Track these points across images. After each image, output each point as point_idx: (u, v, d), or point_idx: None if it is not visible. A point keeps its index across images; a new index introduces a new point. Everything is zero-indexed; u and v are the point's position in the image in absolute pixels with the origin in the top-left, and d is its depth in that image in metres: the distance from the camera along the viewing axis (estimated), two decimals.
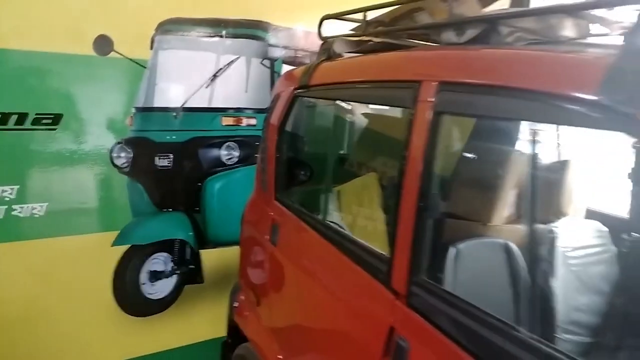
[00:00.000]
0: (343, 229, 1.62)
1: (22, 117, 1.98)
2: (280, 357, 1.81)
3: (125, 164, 2.27)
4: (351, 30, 1.76)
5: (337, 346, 1.46)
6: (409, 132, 1.20)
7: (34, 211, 2.08)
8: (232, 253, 2.38)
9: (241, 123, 2.52)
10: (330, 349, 1.51)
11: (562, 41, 1.19)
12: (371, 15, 1.61)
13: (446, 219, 1.30)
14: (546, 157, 1.57)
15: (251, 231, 2.12)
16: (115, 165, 2.25)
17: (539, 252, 1.45)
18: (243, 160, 2.53)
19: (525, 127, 1.47)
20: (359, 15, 1.65)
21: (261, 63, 2.53)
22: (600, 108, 0.81)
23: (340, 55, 1.77)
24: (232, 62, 2.44)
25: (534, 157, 1.45)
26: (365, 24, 1.63)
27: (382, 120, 1.76)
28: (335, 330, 1.51)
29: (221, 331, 2.29)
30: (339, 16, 1.82)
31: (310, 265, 1.67)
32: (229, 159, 2.53)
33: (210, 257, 2.62)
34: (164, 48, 2.28)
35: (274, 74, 2.56)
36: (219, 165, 2.52)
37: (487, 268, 1.30)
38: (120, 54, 2.14)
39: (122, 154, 2.25)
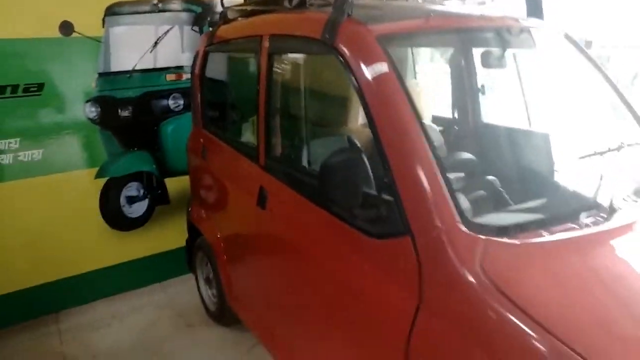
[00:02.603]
0: (240, 140, 2.44)
1: (15, 88, 2.73)
2: (219, 234, 2.67)
3: (96, 117, 3.03)
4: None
5: (235, 203, 2.32)
6: (258, 66, 2.00)
7: (33, 156, 2.87)
8: (187, 179, 3.19)
9: (181, 78, 3.26)
10: (230, 205, 2.37)
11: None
12: None
13: (285, 126, 2.09)
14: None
15: (191, 154, 2.94)
16: (88, 118, 3.02)
17: None
18: (187, 107, 3.29)
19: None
20: None
21: (192, 29, 3.26)
22: (320, 41, 1.60)
23: (233, 20, 2.53)
24: (168, 31, 3.16)
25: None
26: None
27: (250, 61, 2.51)
28: (233, 196, 2.37)
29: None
30: None
31: (223, 164, 2.51)
32: (176, 106, 3.30)
33: (172, 184, 3.43)
34: (113, 25, 2.99)
35: None
36: (168, 112, 3.29)
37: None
38: (80, 34, 2.86)
39: (92, 109, 3.00)
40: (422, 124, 1.36)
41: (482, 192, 1.57)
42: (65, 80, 2.90)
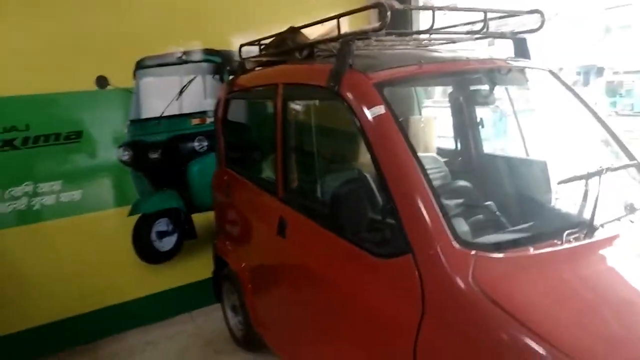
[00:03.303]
0: (260, 176, 2.68)
1: (57, 136, 3.04)
2: (243, 264, 2.88)
3: (128, 159, 3.32)
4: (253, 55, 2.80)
5: (257, 233, 2.54)
6: (275, 110, 2.26)
7: (73, 196, 3.16)
8: (212, 214, 3.44)
9: (205, 122, 3.56)
10: (253, 236, 2.59)
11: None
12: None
13: (300, 161, 2.32)
14: None
15: (216, 191, 3.19)
16: (121, 161, 3.31)
17: None
18: (210, 148, 3.57)
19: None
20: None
21: (213, 78, 3.57)
22: (327, 89, 1.85)
23: (251, 70, 2.82)
24: (192, 80, 3.49)
25: None
26: (259, 49, 2.68)
27: (267, 106, 2.77)
28: (256, 227, 2.59)
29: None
30: (250, 44, 2.87)
31: (245, 199, 2.74)
32: (201, 148, 3.58)
33: (199, 219, 3.68)
34: (142, 77, 3.32)
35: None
36: (194, 153, 3.58)
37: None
38: (114, 86, 3.19)
39: (125, 153, 3.30)
40: (416, 157, 1.57)
41: (474, 214, 1.76)
42: (100, 128, 3.22)
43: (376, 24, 1.78)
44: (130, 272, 3.46)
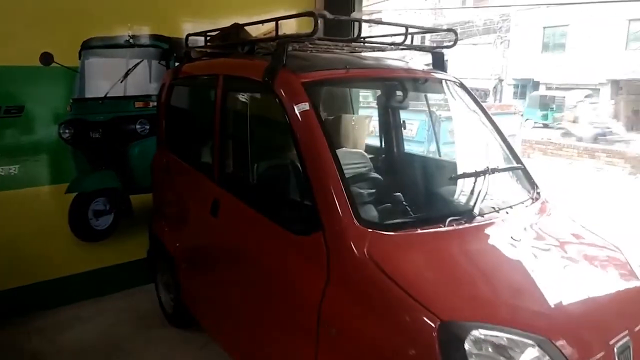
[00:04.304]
0: (198, 160, 2.85)
1: None
2: (178, 244, 3.04)
3: (69, 137, 3.38)
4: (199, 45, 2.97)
5: (192, 214, 2.72)
6: (215, 100, 2.44)
7: (10, 171, 3.18)
8: (150, 196, 3.55)
9: (149, 105, 3.66)
10: (188, 216, 2.76)
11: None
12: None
13: (234, 148, 2.53)
14: None
15: (155, 173, 3.32)
16: (62, 139, 3.36)
17: None
18: (152, 131, 3.68)
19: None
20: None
21: (159, 63, 3.68)
22: (262, 83, 2.06)
23: (196, 59, 2.98)
24: (137, 64, 3.58)
25: None
26: (205, 40, 2.85)
27: (209, 95, 2.95)
28: (191, 208, 2.77)
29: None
30: (197, 34, 3.02)
31: (183, 181, 2.91)
32: (142, 130, 3.68)
33: (137, 200, 3.78)
34: (88, 57, 3.38)
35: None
36: (136, 135, 3.67)
37: None
38: (59, 64, 3.24)
39: (66, 130, 3.36)
40: (332, 150, 1.83)
41: (383, 202, 2.04)
42: (43, 104, 3.26)
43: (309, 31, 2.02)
44: (66, 248, 3.52)
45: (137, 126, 3.68)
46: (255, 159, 2.18)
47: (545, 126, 20.75)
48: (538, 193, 2.28)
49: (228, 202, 2.35)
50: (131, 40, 3.55)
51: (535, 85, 23.83)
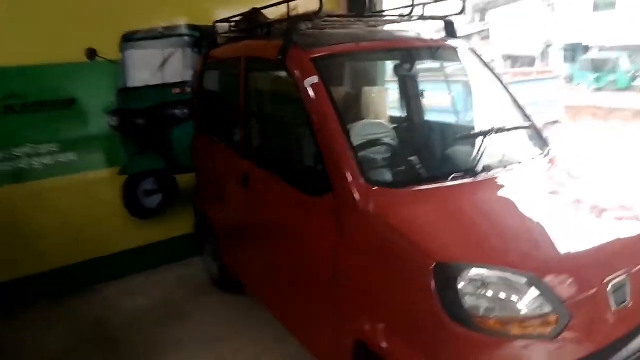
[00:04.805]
0: (228, 137, 3.10)
1: (53, 102, 3.43)
2: (218, 215, 3.32)
3: (116, 125, 3.72)
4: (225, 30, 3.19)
5: (227, 187, 2.97)
6: (238, 81, 2.66)
7: (69, 158, 3.56)
8: (193, 175, 3.86)
9: (185, 91, 3.95)
10: (224, 190, 3.02)
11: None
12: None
13: (257, 124, 2.74)
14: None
15: (194, 153, 3.61)
16: (110, 126, 3.71)
17: None
18: (190, 115, 3.97)
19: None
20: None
21: (193, 51, 3.95)
22: (277, 62, 2.25)
23: (222, 45, 3.20)
24: (173, 53, 3.86)
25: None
26: (229, 26, 3.06)
27: (234, 77, 3.16)
28: (226, 182, 3.02)
29: None
30: (222, 21, 3.24)
31: (217, 158, 3.17)
32: (182, 114, 3.98)
33: (182, 180, 4.11)
34: (128, 50, 3.68)
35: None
36: (176, 119, 3.97)
37: None
38: (103, 58, 3.56)
39: (114, 119, 3.70)
40: (340, 118, 2.00)
41: (388, 163, 2.20)
42: (91, 96, 3.59)
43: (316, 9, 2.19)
44: (121, 226, 3.89)
45: (177, 111, 3.97)
46: (274, 132, 2.39)
47: (599, 90, 19.76)
48: (548, 149, 2.36)
49: (255, 174, 2.58)
50: (166, 32, 3.82)
51: (586, 48, 22.60)
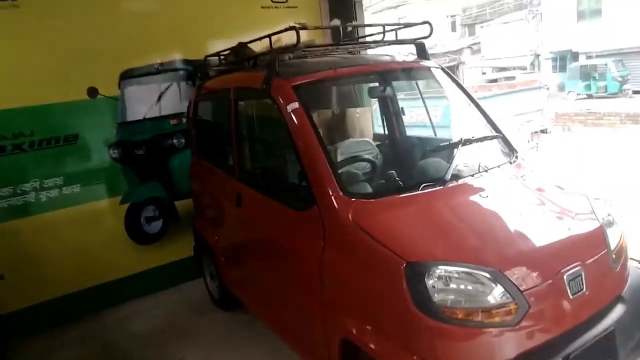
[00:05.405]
0: (222, 162, 3.31)
1: (58, 139, 3.66)
2: (216, 237, 3.51)
3: (117, 157, 3.95)
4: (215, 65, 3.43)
5: (222, 209, 3.17)
6: (229, 109, 2.89)
7: (73, 190, 3.78)
8: (192, 200, 4.06)
9: (182, 122, 4.18)
10: (220, 212, 3.22)
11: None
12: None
13: (248, 148, 2.96)
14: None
15: (192, 179, 3.82)
16: (112, 158, 3.94)
17: None
18: (187, 144, 4.19)
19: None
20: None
21: (187, 84, 4.20)
22: (262, 91, 2.48)
23: (213, 77, 3.44)
24: (168, 87, 4.11)
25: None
26: (219, 59, 3.31)
27: (224, 106, 3.39)
28: (222, 204, 3.22)
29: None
30: (212, 55, 3.49)
31: (213, 181, 3.38)
32: (179, 144, 4.21)
33: (181, 205, 4.31)
34: (126, 86, 3.93)
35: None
36: (174, 149, 4.20)
37: None
38: (103, 95, 3.81)
39: (115, 151, 3.93)
40: (320, 139, 2.21)
41: (359, 175, 2.41)
42: (93, 131, 3.83)
43: (294, 42, 2.42)
44: (125, 252, 4.09)
45: (174, 141, 4.21)
46: (263, 155, 2.60)
47: (590, 97, 20.08)
48: (516, 157, 2.56)
49: (247, 194, 2.78)
50: (161, 67, 4.08)
51: (575, 56, 23.01)
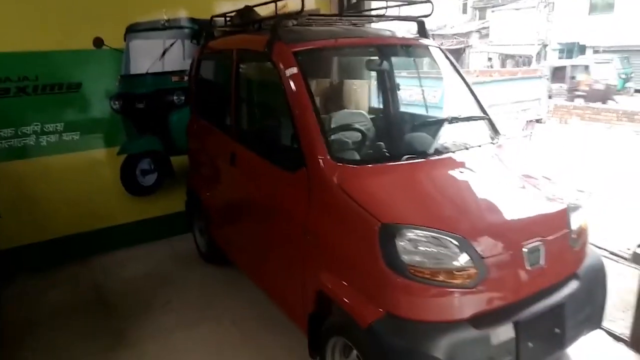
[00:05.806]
0: (220, 121, 3.42)
1: (61, 85, 3.75)
2: (208, 193, 3.66)
3: (118, 108, 4.05)
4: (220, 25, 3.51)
5: (217, 166, 3.30)
6: (230, 70, 2.99)
7: (73, 137, 3.89)
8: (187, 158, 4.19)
9: (184, 79, 4.27)
10: (214, 169, 3.35)
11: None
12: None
13: (246, 109, 3.08)
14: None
15: (189, 136, 3.94)
16: (113, 109, 4.04)
17: None
18: (187, 101, 4.29)
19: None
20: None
21: (192, 42, 4.26)
22: (263, 54, 2.58)
23: (218, 37, 3.52)
24: (173, 43, 4.18)
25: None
26: (224, 21, 3.38)
27: (227, 66, 3.48)
28: (216, 161, 3.35)
29: None
30: (219, 16, 3.57)
31: (210, 140, 3.50)
32: (179, 101, 4.30)
33: (177, 161, 4.44)
34: (131, 40, 4.00)
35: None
36: (173, 105, 4.30)
37: None
38: (108, 47, 3.88)
39: (116, 102, 4.02)
40: (314, 104, 2.33)
41: (349, 144, 2.54)
42: (96, 81, 3.92)
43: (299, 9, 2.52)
44: (119, 201, 4.23)
45: (175, 97, 4.30)
46: (260, 116, 2.72)
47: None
48: (498, 138, 2.70)
49: (241, 153, 2.91)
50: (167, 24, 4.14)
51: (582, 48, 22.90)
